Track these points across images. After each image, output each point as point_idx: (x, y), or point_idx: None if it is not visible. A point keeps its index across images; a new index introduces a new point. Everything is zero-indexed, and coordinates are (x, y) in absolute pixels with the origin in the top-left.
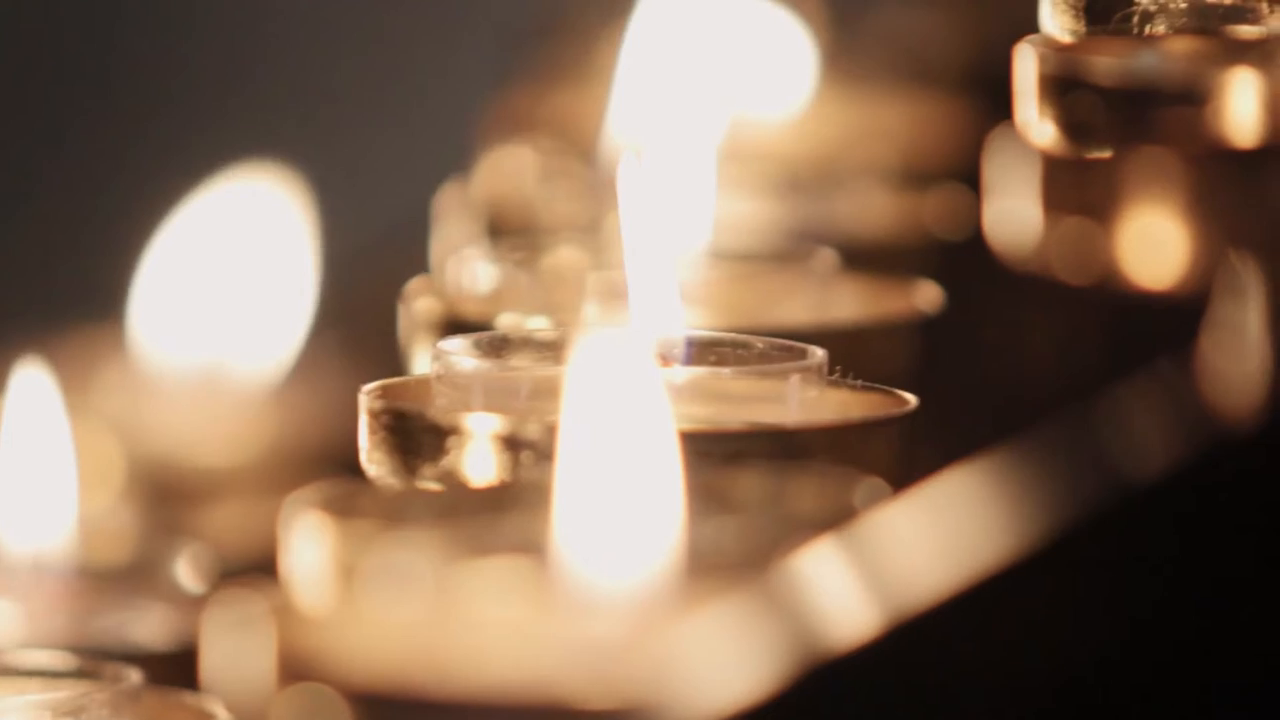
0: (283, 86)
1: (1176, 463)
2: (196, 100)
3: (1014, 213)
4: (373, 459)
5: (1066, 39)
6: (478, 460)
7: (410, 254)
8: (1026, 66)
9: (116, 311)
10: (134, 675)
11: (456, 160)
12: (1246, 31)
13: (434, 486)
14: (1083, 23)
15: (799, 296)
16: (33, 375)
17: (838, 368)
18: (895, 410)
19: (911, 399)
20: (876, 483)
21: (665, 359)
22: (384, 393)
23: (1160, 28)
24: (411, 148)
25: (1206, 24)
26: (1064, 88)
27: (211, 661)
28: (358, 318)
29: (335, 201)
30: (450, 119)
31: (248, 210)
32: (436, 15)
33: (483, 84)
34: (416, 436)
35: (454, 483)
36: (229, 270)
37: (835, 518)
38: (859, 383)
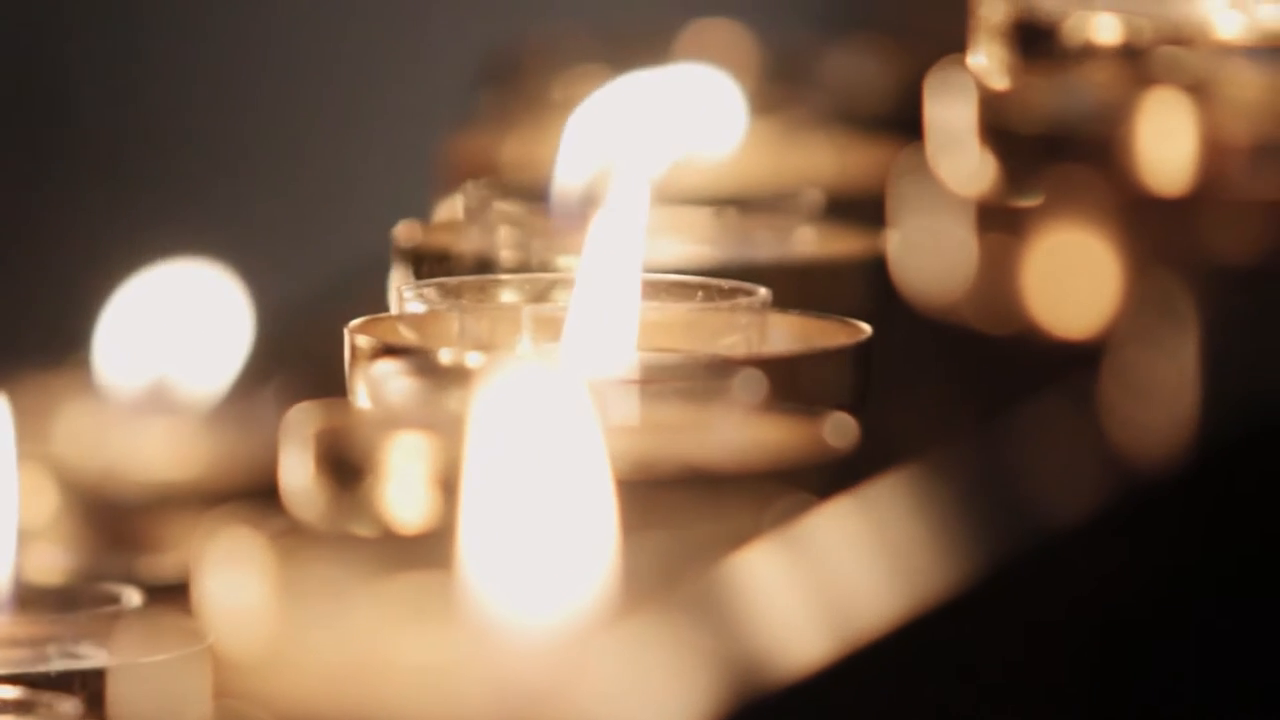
0: (244, 128)
1: (1088, 498)
2: (159, 141)
3: (919, 238)
4: (294, 479)
5: (994, 70)
6: (400, 489)
7: (367, 294)
8: (938, 99)
9: (73, 345)
10: (70, 705)
11: (414, 200)
12: (1176, 69)
13: (358, 529)
14: (1012, 53)
15: (734, 331)
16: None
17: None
18: (833, 443)
19: (850, 425)
20: (800, 497)
21: (598, 385)
22: (310, 412)
23: (1088, 64)
24: (371, 187)
25: (1137, 60)
26: (984, 125)
27: (119, 687)
28: (308, 355)
29: (295, 241)
30: (407, 160)
31: (202, 250)
32: (396, 57)
33: (439, 126)
34: (339, 458)
35: (375, 512)
36: (181, 307)
37: (758, 532)
38: (799, 406)
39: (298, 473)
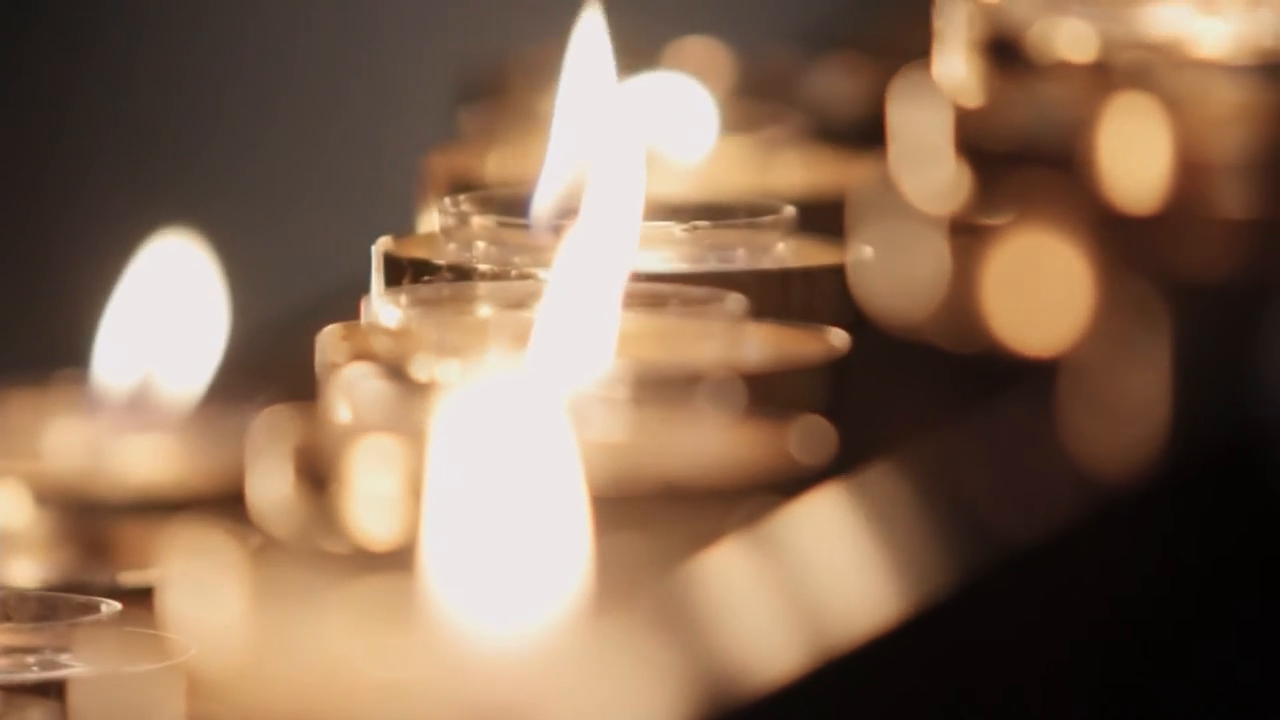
0: (227, 142)
1: (1055, 513)
2: (143, 153)
3: (882, 253)
4: (263, 487)
5: (963, 83)
6: (371, 500)
7: (349, 308)
8: (902, 111)
9: (57, 356)
10: (46, 715)
11: (399, 215)
12: (1147, 82)
13: (328, 544)
14: (981, 65)
15: (709, 340)
16: None
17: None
18: (810, 452)
19: (828, 434)
20: (765, 501)
21: (571, 395)
22: (279, 418)
23: (1058, 77)
24: (356, 202)
25: (1106, 74)
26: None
27: (91, 698)
28: (289, 370)
29: (279, 254)
30: (392, 175)
31: (186, 263)
32: (379, 72)
33: (424, 141)
34: (309, 468)
35: (345, 523)
36: (163, 318)
37: (724, 536)
38: (774, 415)
39: (266, 480)
